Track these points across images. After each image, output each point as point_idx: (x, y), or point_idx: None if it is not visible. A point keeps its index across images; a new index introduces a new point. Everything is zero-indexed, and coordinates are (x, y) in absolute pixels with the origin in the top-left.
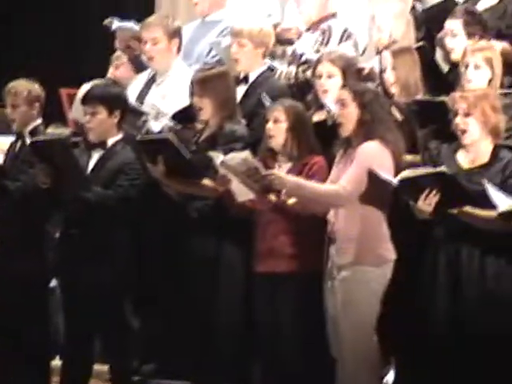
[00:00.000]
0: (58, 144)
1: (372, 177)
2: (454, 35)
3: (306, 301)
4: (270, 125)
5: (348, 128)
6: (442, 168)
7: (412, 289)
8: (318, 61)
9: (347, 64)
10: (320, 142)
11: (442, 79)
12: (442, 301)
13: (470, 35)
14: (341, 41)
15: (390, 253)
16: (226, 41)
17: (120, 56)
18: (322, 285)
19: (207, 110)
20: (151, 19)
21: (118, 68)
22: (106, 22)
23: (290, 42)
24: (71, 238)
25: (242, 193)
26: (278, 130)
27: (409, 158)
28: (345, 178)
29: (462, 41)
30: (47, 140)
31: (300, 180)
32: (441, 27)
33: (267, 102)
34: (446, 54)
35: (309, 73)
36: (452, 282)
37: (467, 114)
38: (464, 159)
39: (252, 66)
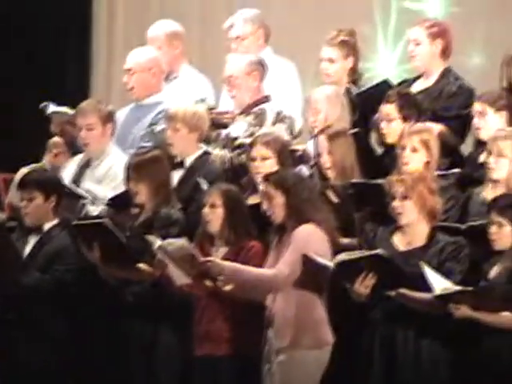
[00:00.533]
0: None
1: (307, 261)
2: (390, 120)
3: None
4: (206, 210)
5: (279, 215)
6: (378, 250)
7: (349, 372)
8: (252, 144)
9: (281, 146)
10: (256, 225)
11: (376, 162)
12: None
13: (405, 118)
14: (274, 124)
15: (328, 336)
16: (160, 125)
17: (58, 143)
18: (260, 368)
19: (143, 195)
20: (85, 105)
21: (57, 156)
22: (42, 106)
23: (225, 126)
24: (8, 324)
25: (180, 277)
26: (214, 215)
27: (346, 240)
28: (281, 263)
29: (398, 124)
30: None
31: (237, 266)
32: (375, 110)
33: (204, 185)
34: (380, 137)
35: (243, 156)
36: (387, 365)
37: (404, 197)
38: (400, 241)
39: (187, 150)
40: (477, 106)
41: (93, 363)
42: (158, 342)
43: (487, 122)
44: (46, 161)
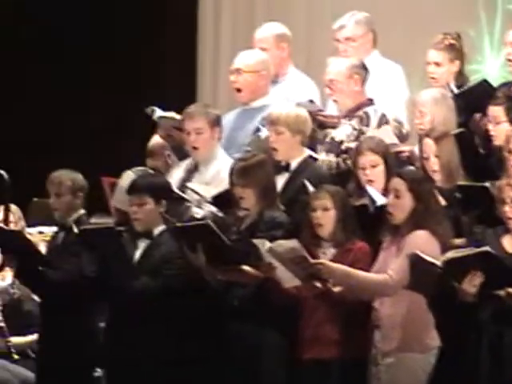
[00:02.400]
0: (107, 233)
1: (416, 260)
2: (498, 122)
3: None
4: (318, 213)
5: (399, 217)
6: (487, 248)
7: (456, 376)
8: (359, 151)
9: (387, 150)
10: (360, 226)
11: (481, 164)
12: None
13: None
14: (379, 126)
15: (435, 340)
16: (264, 131)
17: (157, 146)
18: (366, 371)
19: (249, 200)
20: (193, 109)
21: (158, 159)
22: (148, 110)
23: (332, 127)
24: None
25: (289, 279)
26: (327, 219)
27: (458, 241)
28: (393, 268)
29: (505, 127)
30: (96, 228)
31: (348, 270)
32: (477, 110)
33: (311, 188)
34: (482, 139)
35: (349, 162)
36: (495, 367)
37: None
38: (510, 244)
39: (291, 153)
40: None
41: (199, 369)
42: (263, 346)
43: None
44: (149, 165)
